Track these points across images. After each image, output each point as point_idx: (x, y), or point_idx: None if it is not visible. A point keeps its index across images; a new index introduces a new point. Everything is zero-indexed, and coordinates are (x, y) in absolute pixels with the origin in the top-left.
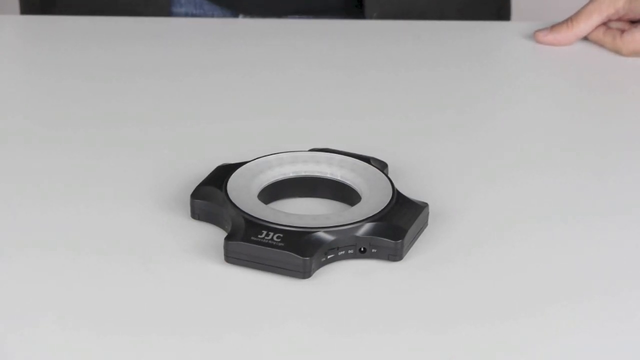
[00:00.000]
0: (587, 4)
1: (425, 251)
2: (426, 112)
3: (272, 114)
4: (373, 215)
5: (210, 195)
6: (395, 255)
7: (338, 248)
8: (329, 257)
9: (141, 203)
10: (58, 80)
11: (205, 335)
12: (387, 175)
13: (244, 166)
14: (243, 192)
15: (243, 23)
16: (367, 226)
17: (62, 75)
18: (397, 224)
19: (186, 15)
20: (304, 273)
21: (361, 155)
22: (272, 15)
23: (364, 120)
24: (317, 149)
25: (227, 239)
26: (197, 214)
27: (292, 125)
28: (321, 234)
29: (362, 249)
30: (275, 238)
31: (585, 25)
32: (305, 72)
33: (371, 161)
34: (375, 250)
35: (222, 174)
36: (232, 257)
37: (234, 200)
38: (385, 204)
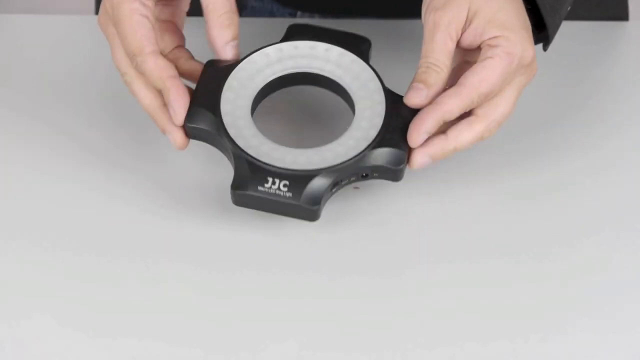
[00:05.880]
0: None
1: (424, 254)
2: None
3: None
4: (371, 143)
5: (204, 120)
6: (396, 177)
7: (342, 181)
8: (333, 190)
9: (141, 203)
10: (56, 79)
11: (205, 334)
12: (372, 68)
13: (234, 73)
14: (237, 112)
15: (245, 22)
16: (367, 155)
17: (61, 75)
18: (396, 146)
19: (252, 7)
20: (313, 218)
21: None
22: (332, 14)
23: None
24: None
25: (233, 188)
26: (193, 135)
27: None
28: (325, 175)
29: (365, 174)
30: (282, 187)
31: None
32: None
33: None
34: (377, 174)
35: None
36: (239, 204)
37: (228, 130)
38: (379, 128)
